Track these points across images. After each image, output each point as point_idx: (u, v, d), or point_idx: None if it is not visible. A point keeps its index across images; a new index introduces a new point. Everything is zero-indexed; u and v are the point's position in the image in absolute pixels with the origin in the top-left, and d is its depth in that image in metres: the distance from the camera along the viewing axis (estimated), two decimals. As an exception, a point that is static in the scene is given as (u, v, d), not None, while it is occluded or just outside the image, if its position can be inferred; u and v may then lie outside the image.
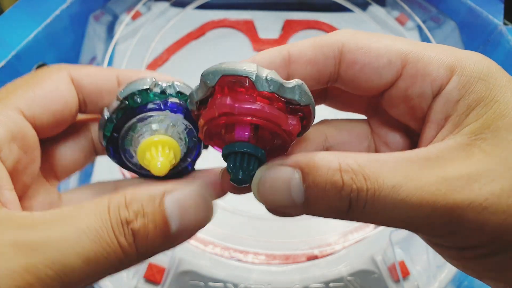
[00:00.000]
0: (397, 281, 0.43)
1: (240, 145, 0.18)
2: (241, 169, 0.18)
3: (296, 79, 0.18)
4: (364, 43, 0.19)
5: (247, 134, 0.18)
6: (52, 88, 0.21)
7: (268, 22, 0.65)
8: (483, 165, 0.17)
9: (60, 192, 0.24)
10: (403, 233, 0.44)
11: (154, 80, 0.21)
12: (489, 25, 0.53)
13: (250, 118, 0.18)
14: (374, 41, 0.19)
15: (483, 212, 0.16)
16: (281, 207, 0.18)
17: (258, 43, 0.63)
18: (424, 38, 0.60)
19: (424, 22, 0.60)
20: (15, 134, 0.19)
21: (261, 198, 0.18)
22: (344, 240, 0.45)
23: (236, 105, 0.17)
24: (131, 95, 0.21)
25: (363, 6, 0.65)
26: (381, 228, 0.46)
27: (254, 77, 0.17)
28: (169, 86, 0.21)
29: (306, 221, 0.48)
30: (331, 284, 0.42)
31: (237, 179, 0.18)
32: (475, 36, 0.56)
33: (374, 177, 0.17)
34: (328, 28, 0.64)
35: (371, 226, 0.47)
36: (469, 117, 0.17)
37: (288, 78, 0.19)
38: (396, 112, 0.21)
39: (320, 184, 0.17)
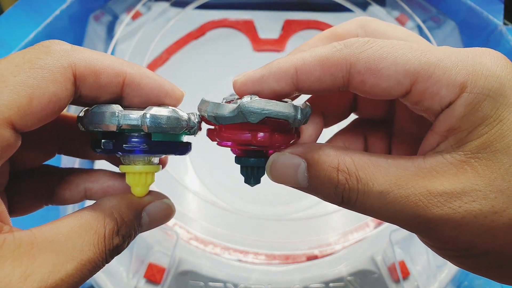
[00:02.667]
0: (397, 281, 0.43)
1: (245, 161, 0.23)
2: (252, 177, 0.23)
3: (240, 103, 0.20)
4: (372, 63, 0.18)
5: (240, 152, 0.23)
6: (51, 96, 0.18)
7: (268, 22, 0.65)
8: (470, 184, 0.17)
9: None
10: (403, 233, 0.44)
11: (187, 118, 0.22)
12: (489, 25, 0.53)
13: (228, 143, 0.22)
14: (384, 57, 0.18)
15: (457, 228, 0.18)
16: (289, 186, 0.21)
17: (258, 43, 0.63)
18: (424, 38, 0.60)
19: (424, 22, 0.60)
20: (2, 151, 0.18)
21: (273, 177, 0.22)
22: (344, 240, 0.45)
23: (210, 136, 0.23)
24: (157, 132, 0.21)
25: (363, 6, 0.65)
26: (381, 228, 0.46)
27: (206, 117, 0.21)
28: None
29: (306, 221, 0.48)
30: (331, 284, 0.42)
31: (250, 183, 0.23)
32: (475, 36, 0.56)
33: (365, 181, 0.19)
34: (328, 28, 0.64)
35: (371, 226, 0.47)
36: (471, 135, 0.18)
37: (297, 89, 0.21)
38: (403, 119, 0.22)
39: (320, 178, 0.20)
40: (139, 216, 0.22)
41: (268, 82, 0.21)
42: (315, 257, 0.44)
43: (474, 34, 0.56)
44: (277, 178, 0.21)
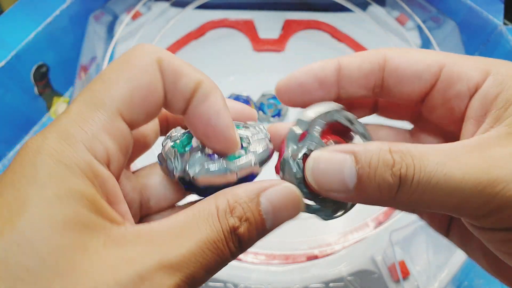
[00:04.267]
0: (397, 281, 0.43)
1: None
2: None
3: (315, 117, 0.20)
4: (403, 53, 0.21)
5: None
6: (148, 85, 0.19)
7: (268, 22, 0.65)
8: None
9: None
10: (403, 233, 0.44)
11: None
12: (489, 25, 0.53)
13: None
14: (412, 51, 0.21)
15: None
16: (332, 191, 0.19)
17: (258, 43, 0.63)
18: (424, 38, 0.60)
19: (424, 22, 0.60)
20: (121, 145, 0.19)
21: (314, 180, 0.19)
22: (344, 240, 0.45)
23: None
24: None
25: (363, 6, 0.65)
26: (381, 228, 0.46)
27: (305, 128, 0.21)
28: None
29: (306, 221, 0.48)
30: (331, 284, 0.42)
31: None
32: (475, 36, 0.56)
33: (420, 156, 0.18)
34: (328, 28, 0.64)
35: (371, 226, 0.47)
36: (508, 110, 0.18)
37: (340, 81, 0.22)
38: (437, 116, 0.22)
39: (373, 163, 0.18)
40: (256, 199, 0.19)
41: (314, 73, 0.22)
42: (315, 257, 0.44)
43: (474, 34, 0.56)
44: (319, 180, 0.19)
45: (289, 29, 0.64)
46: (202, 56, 0.61)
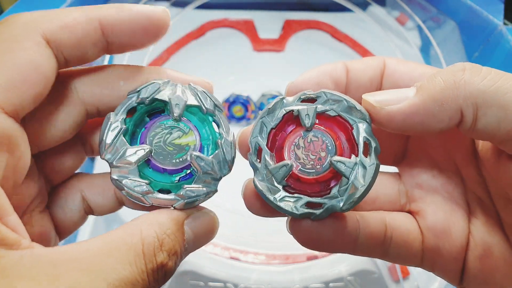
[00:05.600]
0: (397, 281, 0.43)
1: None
2: None
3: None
4: (400, 61, 0.21)
5: None
6: (28, 64, 0.17)
7: (268, 22, 0.65)
8: None
9: None
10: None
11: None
12: (489, 25, 0.53)
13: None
14: (407, 61, 0.21)
15: None
16: (393, 102, 0.18)
17: (258, 43, 0.63)
18: (424, 38, 0.60)
19: (424, 22, 0.60)
20: (0, 140, 0.16)
21: (375, 100, 0.19)
22: (344, 240, 0.45)
23: None
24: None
25: (363, 6, 0.65)
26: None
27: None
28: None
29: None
30: (331, 284, 0.42)
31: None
32: (475, 36, 0.56)
33: None
34: (328, 28, 0.64)
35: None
36: None
37: (347, 83, 0.21)
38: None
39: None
40: (182, 229, 0.19)
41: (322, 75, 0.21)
42: (315, 257, 0.44)
43: (474, 34, 0.56)
44: (380, 95, 0.19)
45: (289, 29, 0.64)
46: (202, 56, 0.61)
